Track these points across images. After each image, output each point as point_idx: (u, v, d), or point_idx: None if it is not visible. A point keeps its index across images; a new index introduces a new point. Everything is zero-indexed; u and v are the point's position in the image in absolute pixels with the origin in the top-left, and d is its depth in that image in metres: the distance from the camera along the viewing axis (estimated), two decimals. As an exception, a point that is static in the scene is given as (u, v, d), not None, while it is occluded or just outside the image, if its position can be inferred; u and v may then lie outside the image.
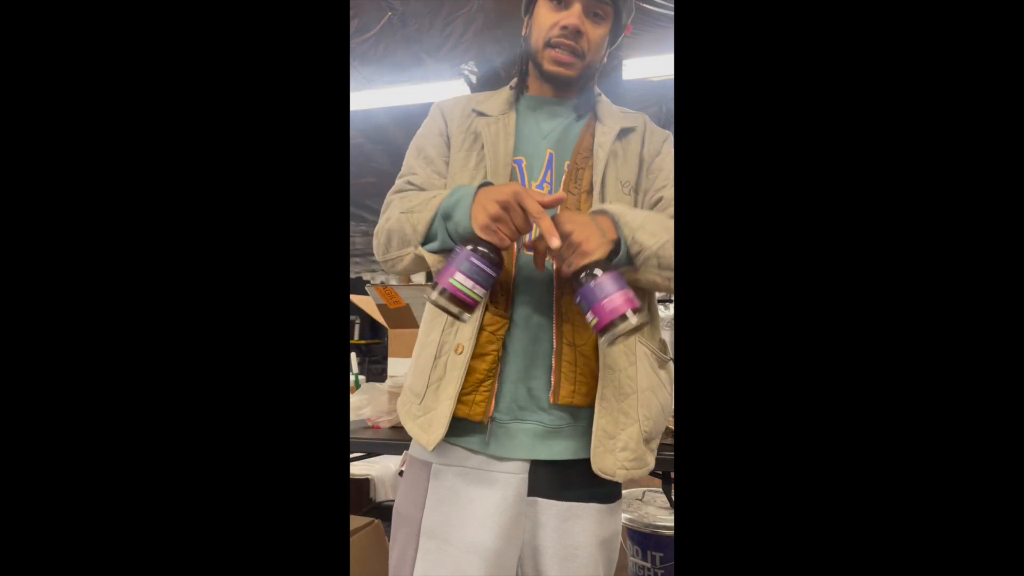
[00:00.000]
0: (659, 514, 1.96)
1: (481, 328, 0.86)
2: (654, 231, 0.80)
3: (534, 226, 0.76)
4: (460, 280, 0.74)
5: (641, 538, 1.92)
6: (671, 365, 0.95)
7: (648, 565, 1.91)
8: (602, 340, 0.74)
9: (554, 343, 0.86)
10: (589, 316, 0.74)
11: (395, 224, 0.88)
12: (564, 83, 0.96)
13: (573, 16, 0.90)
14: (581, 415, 0.87)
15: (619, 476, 0.84)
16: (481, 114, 0.96)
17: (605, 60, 0.99)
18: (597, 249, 0.75)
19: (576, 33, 0.91)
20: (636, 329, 0.72)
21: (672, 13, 2.77)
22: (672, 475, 1.48)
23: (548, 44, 0.92)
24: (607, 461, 0.83)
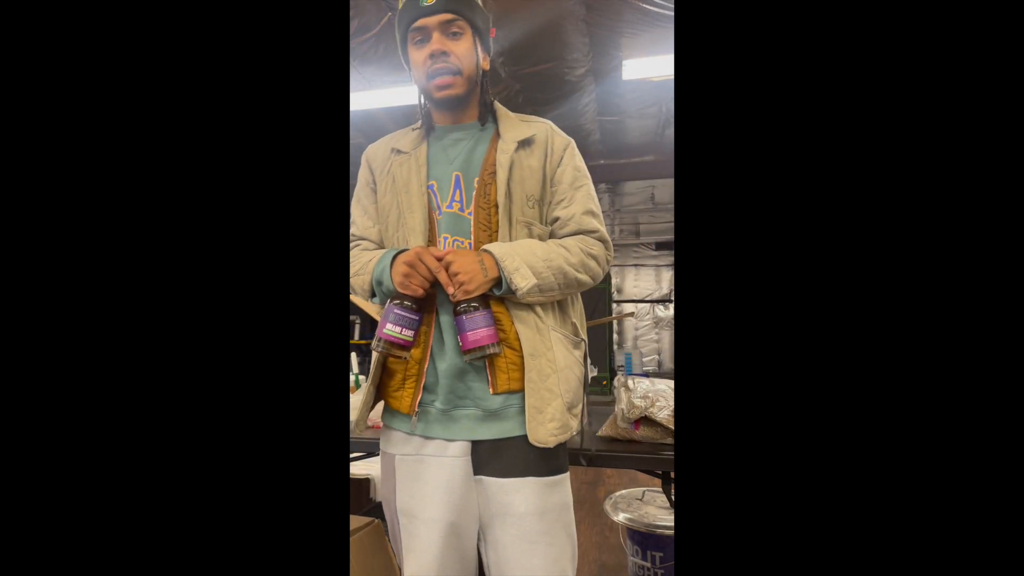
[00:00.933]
0: (659, 514, 1.96)
1: None
2: (526, 274, 0.97)
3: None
4: (390, 329, 0.95)
5: (641, 538, 1.92)
6: (583, 344, 1.12)
7: (648, 565, 1.91)
8: (463, 357, 0.96)
9: None
10: (459, 338, 0.96)
11: (353, 281, 1.10)
12: (457, 103, 1.07)
13: (435, 44, 1.02)
14: (514, 398, 1.01)
15: (550, 443, 0.98)
16: (398, 152, 1.10)
17: (487, 66, 1.10)
18: (478, 288, 0.95)
19: (443, 54, 1.02)
20: (492, 356, 0.96)
21: (672, 13, 2.77)
22: (672, 475, 1.48)
23: (428, 77, 1.03)
24: (539, 432, 0.98)
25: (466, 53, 1.03)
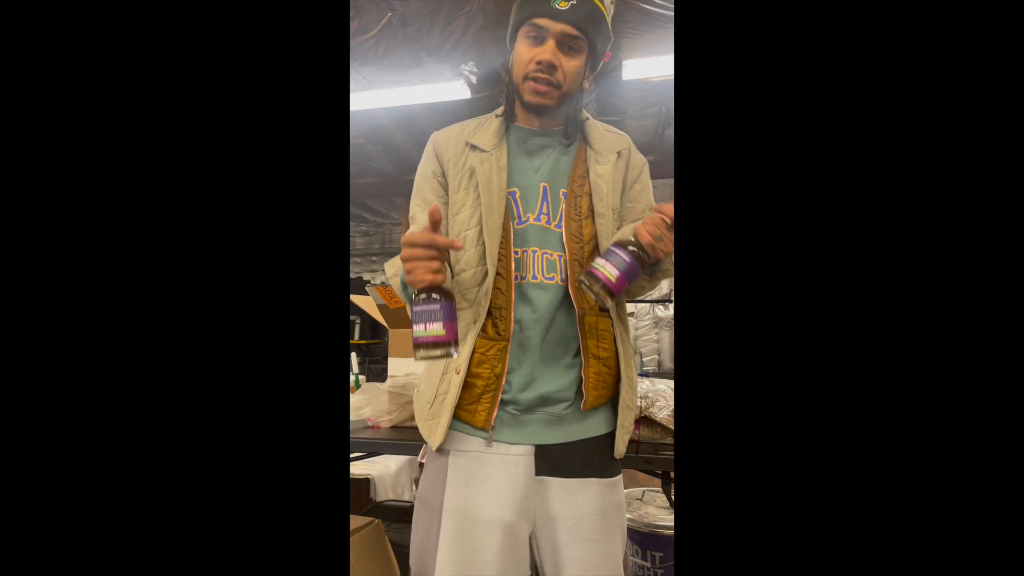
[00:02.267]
0: (659, 514, 1.96)
1: (473, 351, 0.98)
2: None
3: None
4: (417, 330, 0.86)
5: (641, 538, 1.93)
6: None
7: (648, 565, 1.91)
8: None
9: (582, 358, 0.99)
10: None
11: (393, 283, 1.02)
12: (546, 112, 1.02)
13: (547, 52, 0.96)
14: (579, 402, 1.00)
15: (622, 453, 1.01)
16: (474, 147, 1.03)
17: (587, 85, 1.05)
18: (670, 244, 0.89)
19: (550, 67, 0.97)
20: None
21: (672, 13, 2.77)
22: (672, 475, 1.48)
23: (526, 78, 0.99)
24: (620, 447, 1.01)
25: (574, 72, 0.98)
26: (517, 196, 1.01)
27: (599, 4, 0.97)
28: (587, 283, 0.89)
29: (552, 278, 0.99)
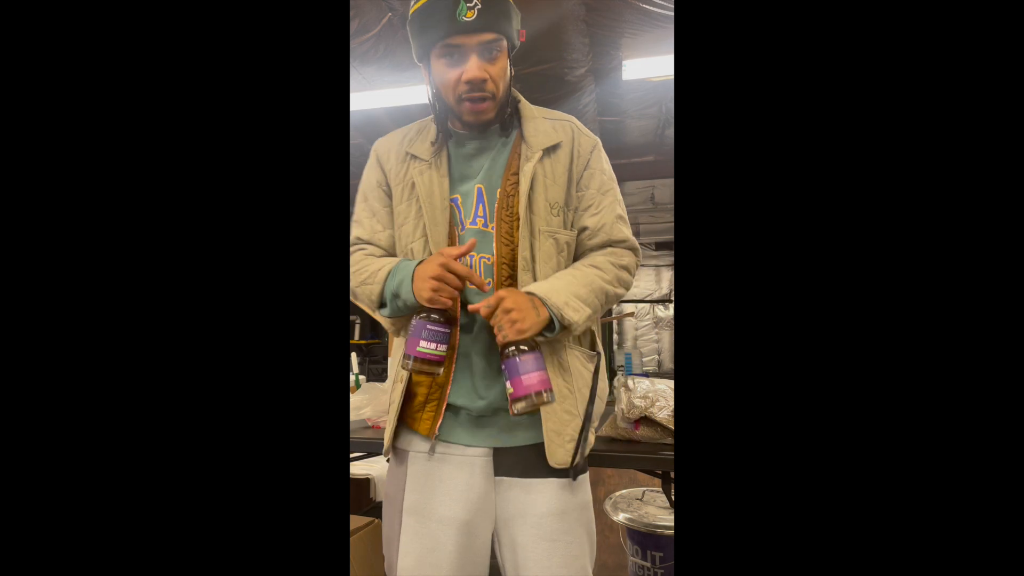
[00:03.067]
0: (659, 514, 1.96)
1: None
2: (578, 306, 0.92)
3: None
4: (424, 346, 0.88)
5: (641, 538, 1.92)
6: (598, 358, 1.05)
7: (648, 565, 1.91)
8: (513, 407, 0.88)
9: (502, 365, 0.96)
10: (508, 385, 0.88)
11: (358, 291, 1.02)
12: (486, 123, 1.00)
13: (473, 70, 0.92)
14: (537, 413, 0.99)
15: (567, 462, 0.96)
16: (414, 157, 1.01)
17: (512, 72, 1.01)
18: (530, 328, 0.88)
19: (482, 82, 0.93)
20: (543, 404, 0.88)
21: (672, 13, 2.77)
22: (672, 475, 1.48)
23: (460, 99, 0.95)
24: (558, 454, 0.95)
25: (501, 74, 0.95)
26: (459, 202, 0.99)
27: None
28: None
29: (490, 282, 0.96)
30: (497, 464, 0.98)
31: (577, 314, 0.92)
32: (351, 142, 4.28)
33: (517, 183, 0.98)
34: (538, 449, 0.97)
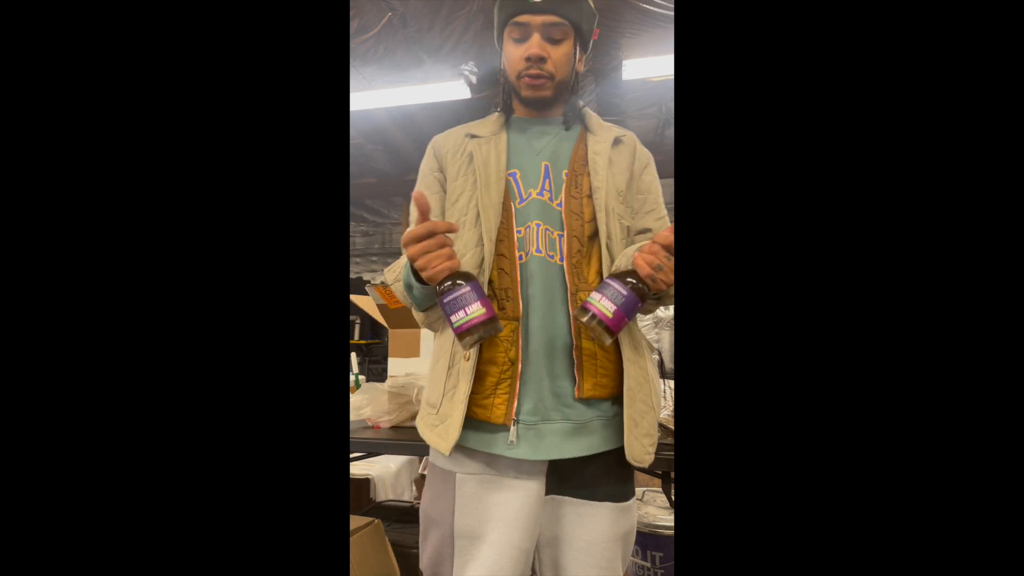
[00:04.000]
0: (659, 514, 1.96)
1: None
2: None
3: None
4: (456, 319, 0.81)
5: (641, 538, 1.92)
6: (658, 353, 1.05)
7: (648, 565, 1.91)
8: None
9: (572, 339, 0.91)
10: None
11: (394, 288, 1.01)
12: (544, 103, 1.03)
13: (533, 47, 0.96)
14: (603, 407, 0.93)
15: (645, 461, 0.92)
16: (474, 136, 1.03)
17: (582, 68, 1.06)
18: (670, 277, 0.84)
19: (540, 60, 0.97)
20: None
21: (672, 13, 2.77)
22: (672, 475, 1.48)
23: (519, 75, 0.99)
24: (636, 449, 0.90)
25: (563, 59, 0.98)
26: (518, 176, 0.99)
27: None
28: (583, 319, 0.82)
29: (552, 256, 0.94)
30: (550, 482, 0.92)
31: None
32: (351, 142, 4.29)
33: (585, 165, 0.99)
34: (597, 462, 0.93)
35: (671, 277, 0.83)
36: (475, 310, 0.80)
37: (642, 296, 0.83)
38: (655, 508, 2.02)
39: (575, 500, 0.92)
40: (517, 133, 1.04)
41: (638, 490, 2.19)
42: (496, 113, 1.07)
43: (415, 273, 0.89)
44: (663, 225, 1.03)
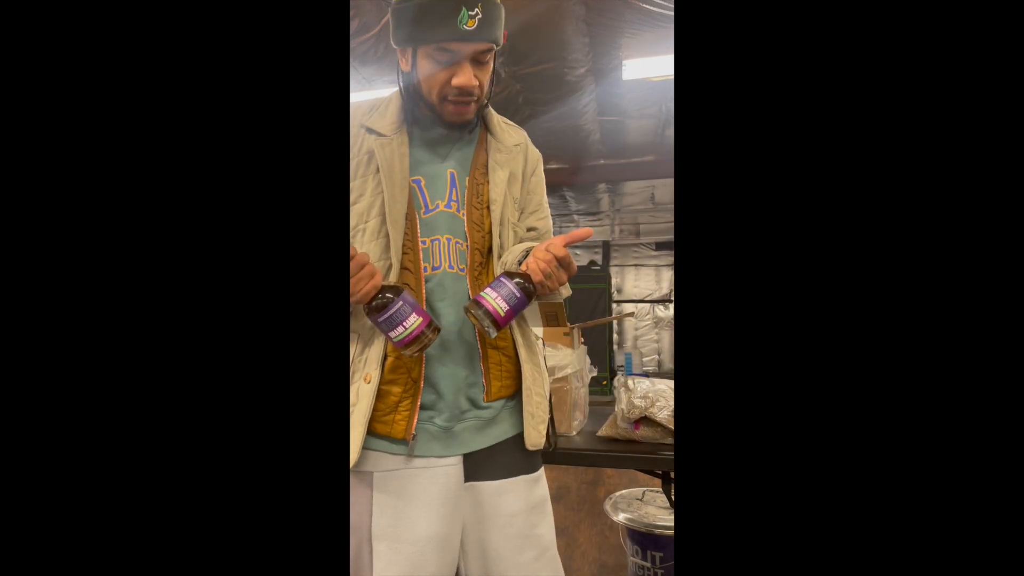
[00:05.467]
0: (659, 514, 1.96)
1: (385, 356, 0.94)
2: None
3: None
4: (396, 335, 0.85)
5: (641, 538, 1.93)
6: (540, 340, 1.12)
7: (648, 565, 1.91)
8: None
9: (480, 349, 0.98)
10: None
11: None
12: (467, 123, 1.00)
13: (467, 77, 0.91)
14: (507, 402, 1.01)
15: (539, 444, 1.00)
16: (371, 131, 0.96)
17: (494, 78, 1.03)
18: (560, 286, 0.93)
19: (472, 88, 0.93)
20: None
21: (672, 13, 2.77)
22: (672, 475, 1.48)
23: (444, 99, 0.94)
24: (533, 436, 0.99)
25: (487, 78, 0.96)
26: (423, 184, 0.96)
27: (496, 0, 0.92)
28: (475, 312, 0.87)
29: (463, 270, 0.96)
30: (467, 470, 0.97)
31: (567, 290, 0.96)
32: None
33: (486, 172, 1.00)
34: (505, 447, 0.99)
35: (556, 285, 0.90)
36: (412, 322, 0.84)
37: (530, 296, 0.90)
38: (655, 508, 2.02)
39: (491, 482, 0.98)
40: (420, 134, 0.99)
41: (638, 490, 2.19)
42: (395, 101, 0.99)
43: None
44: (547, 224, 1.08)
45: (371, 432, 0.93)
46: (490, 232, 0.98)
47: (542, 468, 1.05)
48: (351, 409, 0.92)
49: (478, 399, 0.97)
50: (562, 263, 0.89)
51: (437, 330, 0.87)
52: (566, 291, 0.97)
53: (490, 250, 0.99)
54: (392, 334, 0.84)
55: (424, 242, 0.95)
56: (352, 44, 3.09)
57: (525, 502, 0.99)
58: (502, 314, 0.87)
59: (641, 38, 3.06)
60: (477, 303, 0.88)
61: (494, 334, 0.89)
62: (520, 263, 0.93)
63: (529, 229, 1.06)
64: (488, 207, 0.98)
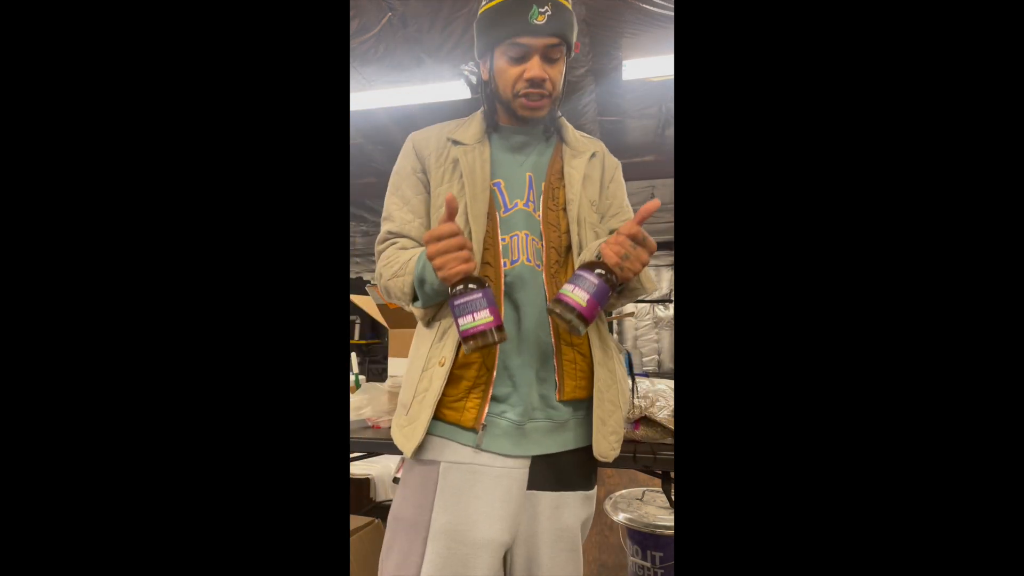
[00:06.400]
0: (659, 514, 1.96)
1: (460, 344, 0.91)
2: (650, 275, 0.98)
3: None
4: (464, 322, 0.83)
5: (641, 538, 1.92)
6: (626, 353, 1.10)
7: (648, 565, 1.91)
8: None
9: (553, 344, 0.96)
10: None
11: (390, 284, 1.00)
12: (537, 120, 1.03)
13: (535, 69, 0.96)
14: (579, 407, 0.98)
15: (610, 457, 0.97)
16: (457, 143, 1.02)
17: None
18: (639, 268, 0.88)
19: (542, 82, 0.97)
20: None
21: (672, 13, 2.77)
22: (672, 475, 1.48)
23: (517, 95, 0.99)
24: (603, 446, 0.96)
25: (559, 77, 0.99)
26: (502, 186, 1.01)
27: (565, 3, 0.97)
28: (558, 311, 0.85)
29: (539, 265, 0.97)
30: (532, 476, 0.93)
31: (651, 283, 0.97)
32: (351, 142, 4.29)
33: (561, 178, 1.02)
34: (571, 456, 0.96)
35: (638, 265, 0.86)
36: (483, 316, 0.82)
37: (611, 285, 0.85)
38: (655, 508, 2.02)
39: (552, 493, 0.95)
40: (499, 141, 1.05)
41: (638, 490, 2.19)
42: (479, 116, 1.06)
43: (427, 270, 0.90)
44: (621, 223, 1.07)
45: (439, 418, 0.92)
46: (567, 232, 0.99)
47: (595, 487, 1.03)
48: (423, 395, 0.92)
49: (551, 397, 0.95)
50: (636, 240, 0.85)
51: (503, 336, 0.83)
52: (650, 283, 0.97)
53: (568, 248, 0.99)
54: (461, 321, 0.83)
55: (504, 239, 0.97)
56: (352, 44, 3.09)
57: (577, 518, 0.97)
58: (584, 304, 0.83)
59: (641, 38, 3.06)
60: (557, 300, 0.85)
61: (582, 330, 0.86)
62: (598, 256, 0.90)
63: (611, 232, 1.06)
64: (564, 208, 1.00)
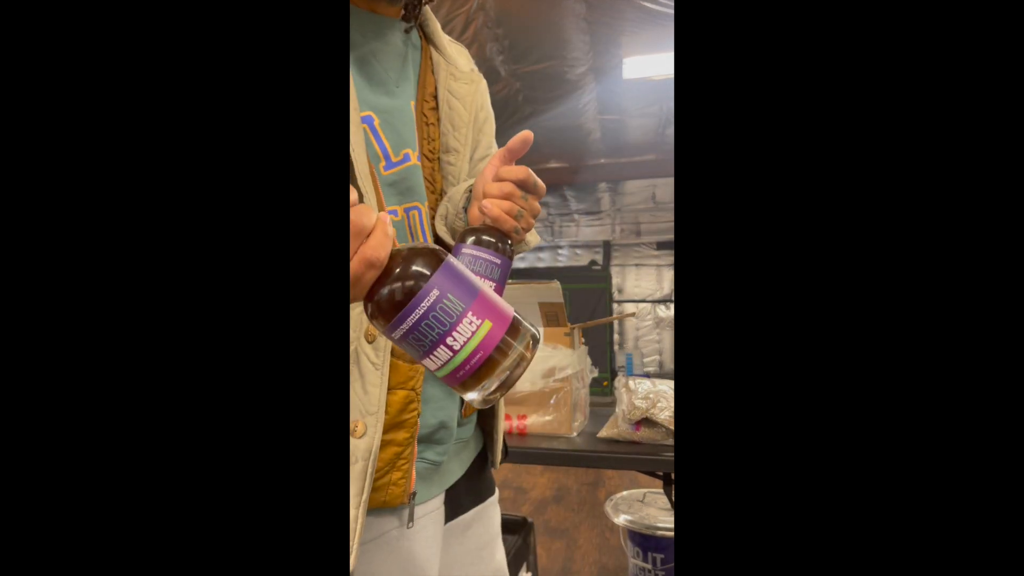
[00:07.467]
0: (660, 515, 1.96)
1: (390, 390, 0.61)
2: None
3: None
4: (435, 360, 0.52)
5: (642, 539, 1.92)
6: None
7: (649, 566, 1.91)
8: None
9: None
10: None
11: None
12: None
13: None
14: (471, 419, 0.76)
15: (498, 461, 0.80)
16: None
17: None
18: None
19: None
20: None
21: (672, 11, 2.77)
22: (672, 476, 1.48)
23: None
24: (497, 450, 0.80)
25: None
26: (376, 124, 0.61)
27: None
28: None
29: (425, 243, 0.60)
30: (447, 511, 0.72)
31: (533, 237, 0.67)
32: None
33: (435, 104, 0.67)
34: (475, 467, 0.78)
35: (532, 222, 0.59)
36: (472, 327, 0.44)
37: (509, 255, 0.57)
38: (656, 509, 2.02)
39: (465, 515, 0.76)
40: (358, 41, 0.63)
41: (639, 491, 2.19)
42: None
43: None
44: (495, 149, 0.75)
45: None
46: (440, 194, 0.68)
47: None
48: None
49: (456, 415, 0.71)
50: (525, 186, 0.57)
51: (536, 340, 0.48)
52: (533, 238, 0.67)
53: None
54: (430, 358, 0.45)
55: (395, 213, 0.62)
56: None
57: (489, 530, 0.80)
58: None
59: (641, 36, 3.06)
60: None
61: None
62: (466, 211, 0.62)
63: (482, 157, 0.75)
64: (441, 158, 0.67)
